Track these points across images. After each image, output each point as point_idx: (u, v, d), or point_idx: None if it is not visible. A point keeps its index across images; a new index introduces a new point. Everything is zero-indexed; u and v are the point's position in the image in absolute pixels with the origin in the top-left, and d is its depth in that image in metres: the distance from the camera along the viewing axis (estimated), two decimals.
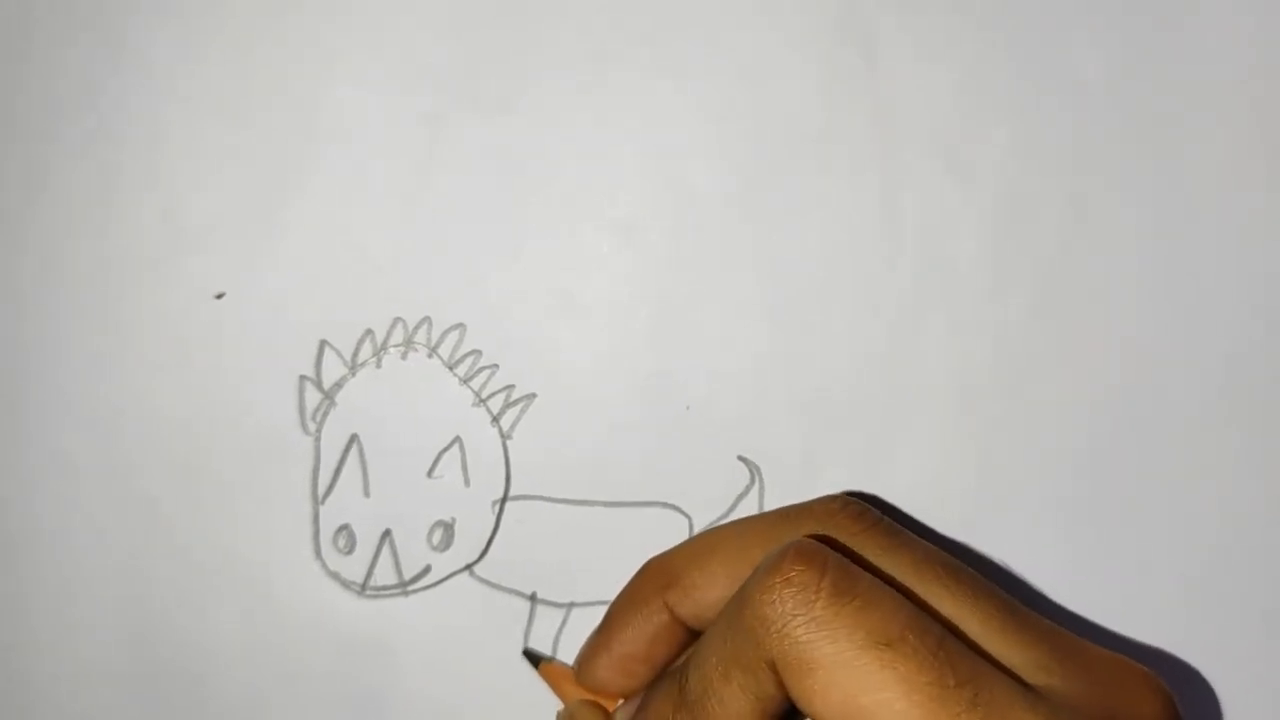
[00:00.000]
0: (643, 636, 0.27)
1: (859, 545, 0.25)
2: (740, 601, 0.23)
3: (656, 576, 0.27)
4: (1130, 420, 0.31)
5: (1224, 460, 0.31)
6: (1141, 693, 0.23)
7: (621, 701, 0.28)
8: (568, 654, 0.31)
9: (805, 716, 0.26)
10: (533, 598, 0.31)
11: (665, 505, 0.31)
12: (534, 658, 0.31)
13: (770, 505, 0.31)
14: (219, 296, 0.32)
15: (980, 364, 0.31)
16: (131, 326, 0.32)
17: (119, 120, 0.32)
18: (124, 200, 0.32)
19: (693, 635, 0.27)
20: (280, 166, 0.31)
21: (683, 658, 0.27)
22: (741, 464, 0.31)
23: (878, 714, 0.21)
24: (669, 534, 0.31)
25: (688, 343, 0.31)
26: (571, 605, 0.31)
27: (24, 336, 0.32)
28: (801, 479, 0.31)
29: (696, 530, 0.31)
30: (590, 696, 0.28)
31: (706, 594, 0.26)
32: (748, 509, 0.31)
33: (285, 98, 0.31)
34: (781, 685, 0.22)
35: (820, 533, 0.25)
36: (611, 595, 0.30)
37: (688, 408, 0.31)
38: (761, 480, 0.31)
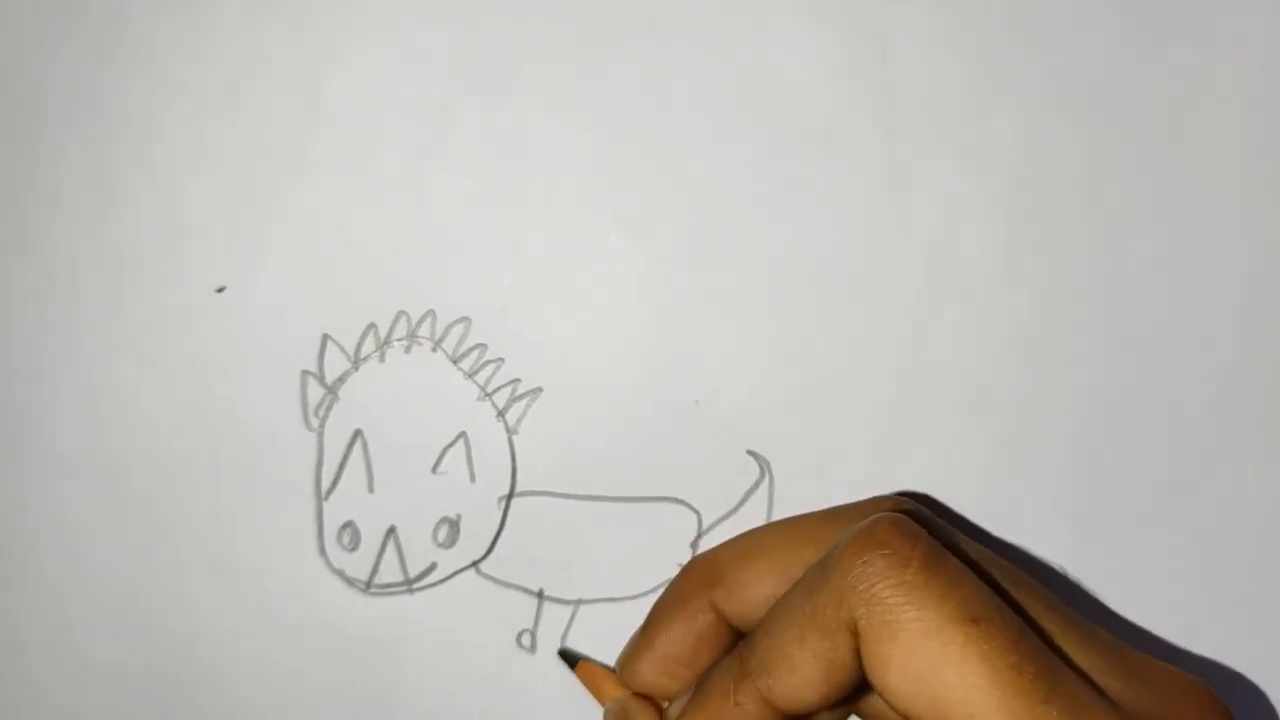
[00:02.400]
0: (687, 636, 0.26)
1: None
2: (826, 565, 0.23)
3: (702, 575, 0.27)
4: (1144, 413, 0.31)
5: (1246, 454, 0.31)
6: (1201, 706, 0.23)
7: (671, 702, 0.27)
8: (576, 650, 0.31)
9: (863, 702, 0.26)
10: (540, 594, 0.31)
11: (674, 501, 0.31)
12: (571, 658, 0.31)
13: (780, 500, 0.31)
14: (220, 290, 0.31)
15: (991, 357, 0.31)
16: (132, 322, 0.31)
17: (118, 114, 0.31)
18: (124, 195, 0.31)
19: (737, 637, 0.27)
20: (281, 159, 0.31)
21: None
22: (751, 459, 0.31)
23: (956, 688, 0.21)
24: (678, 530, 0.31)
25: (696, 336, 0.31)
26: (579, 602, 0.31)
27: (25, 333, 0.31)
28: (812, 474, 0.31)
29: (706, 526, 0.31)
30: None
31: (754, 593, 0.26)
32: (757, 504, 0.31)
33: (286, 90, 0.31)
34: (856, 654, 0.22)
35: None
36: (620, 592, 0.31)
37: (696, 402, 0.31)
38: (771, 475, 0.31)
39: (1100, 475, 0.31)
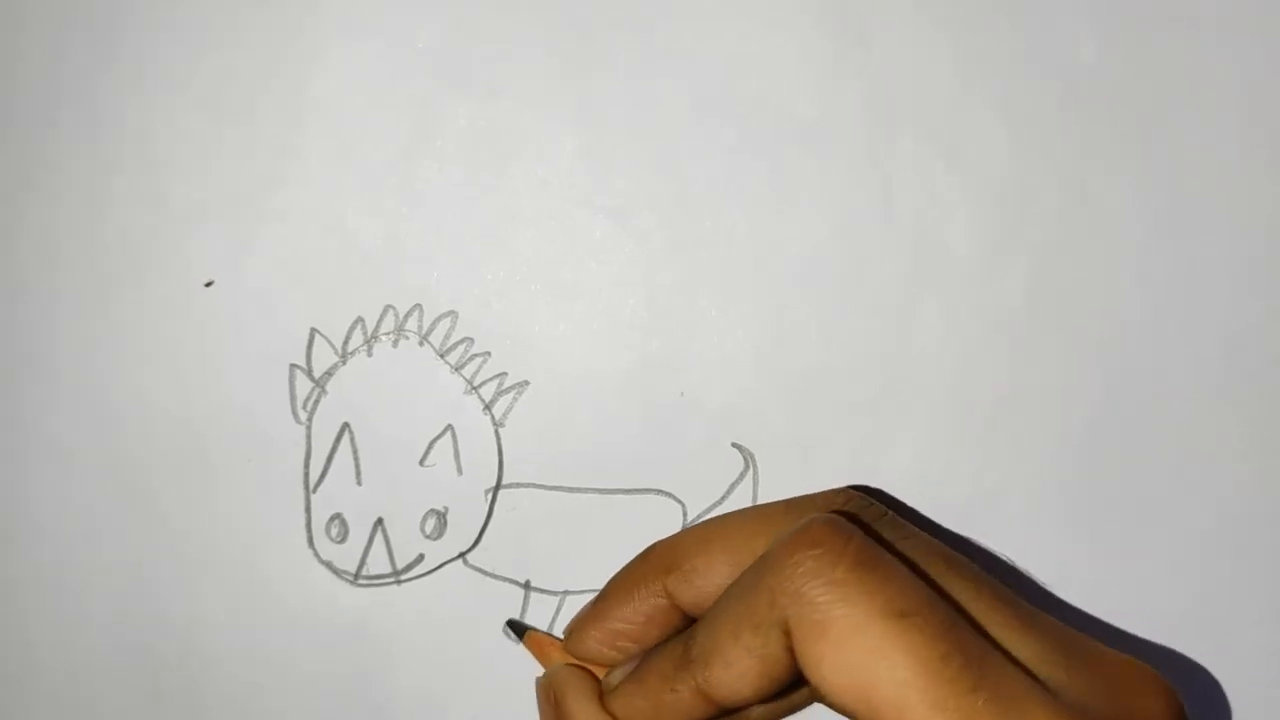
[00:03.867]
0: (638, 615, 0.27)
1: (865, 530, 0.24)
2: (761, 564, 0.23)
3: (660, 560, 0.27)
4: (1128, 408, 0.31)
5: (1224, 449, 0.31)
6: (1147, 692, 0.23)
7: (610, 670, 0.28)
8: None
9: (800, 695, 0.27)
10: (526, 585, 0.31)
11: (659, 492, 0.31)
12: (519, 628, 0.31)
13: (764, 492, 0.31)
14: (208, 285, 0.31)
15: (974, 351, 0.31)
16: (121, 316, 0.31)
17: (108, 111, 0.31)
18: (113, 190, 0.31)
19: (687, 622, 0.27)
20: (269, 154, 0.31)
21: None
22: (736, 451, 0.31)
23: (885, 682, 0.21)
24: (663, 521, 0.31)
25: (681, 329, 0.31)
26: (565, 593, 0.31)
27: (14, 329, 0.32)
28: (796, 465, 0.31)
29: (691, 518, 0.31)
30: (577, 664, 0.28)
31: (708, 581, 0.26)
32: (742, 496, 0.31)
33: (273, 86, 0.31)
34: (789, 651, 0.23)
35: None
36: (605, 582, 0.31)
37: (681, 394, 0.31)
38: (756, 467, 0.31)
39: (1084, 469, 0.31)
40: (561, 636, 0.29)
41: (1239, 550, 0.31)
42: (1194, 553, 0.31)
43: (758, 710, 0.27)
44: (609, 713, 0.26)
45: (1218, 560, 0.31)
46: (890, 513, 0.26)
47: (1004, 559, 0.31)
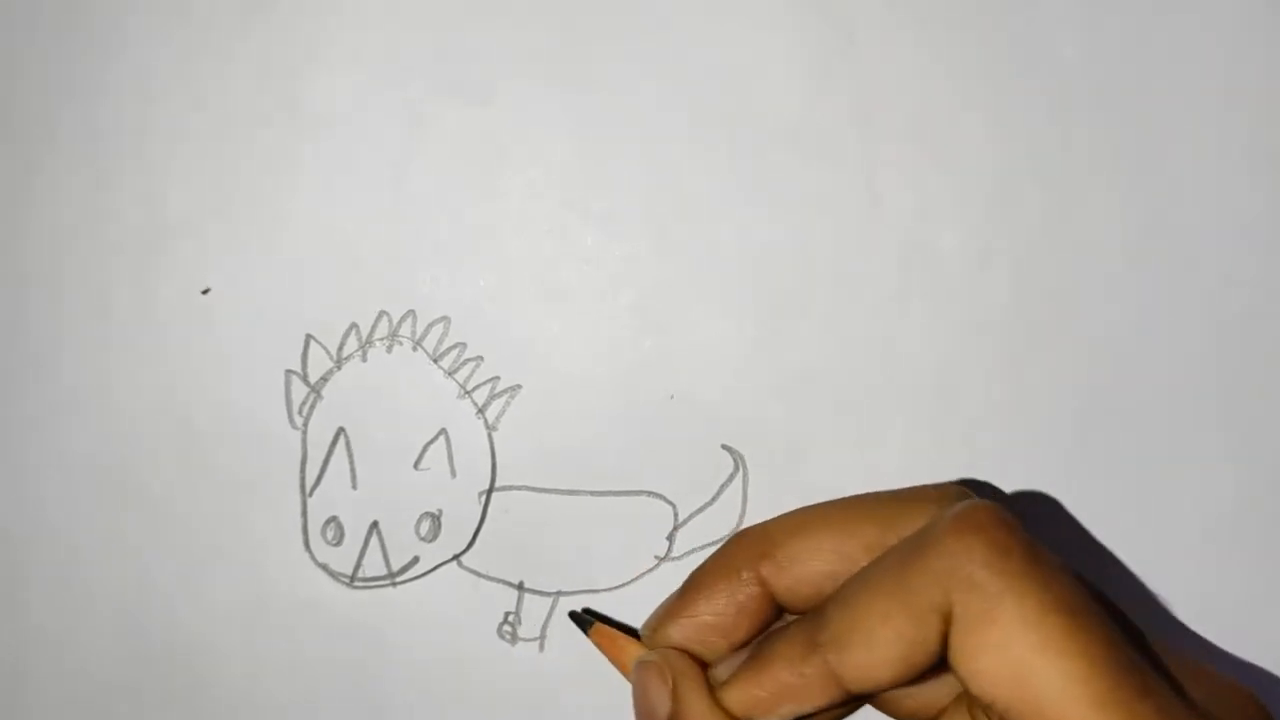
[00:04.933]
0: (728, 607, 0.25)
1: None
2: (923, 544, 0.22)
3: (753, 545, 0.25)
4: (1114, 408, 0.31)
5: (1211, 449, 0.31)
6: (1250, 714, 0.22)
7: (716, 665, 0.26)
8: (556, 642, 0.31)
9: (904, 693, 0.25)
10: (520, 586, 0.32)
11: (650, 494, 0.31)
12: (582, 620, 0.29)
13: (754, 493, 0.31)
14: (205, 292, 0.32)
15: (963, 351, 0.31)
16: (120, 323, 0.32)
17: (105, 118, 0.32)
18: (110, 198, 0.32)
19: (777, 615, 0.26)
20: (263, 163, 0.32)
21: (779, 622, 0.26)
22: (725, 452, 0.31)
23: (1054, 679, 0.20)
24: (654, 522, 0.31)
25: (671, 333, 0.31)
26: (559, 594, 0.32)
27: (12, 335, 0.32)
28: (785, 466, 0.31)
29: (682, 519, 0.31)
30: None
31: (807, 568, 0.25)
32: (732, 497, 0.31)
33: (268, 95, 0.32)
34: (942, 639, 0.21)
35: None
36: (598, 583, 0.31)
37: (671, 397, 0.31)
38: (745, 468, 0.31)
39: (1068, 468, 0.31)
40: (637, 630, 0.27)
41: (1228, 549, 0.31)
42: (1183, 552, 0.31)
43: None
44: (722, 708, 0.24)
45: (1207, 559, 0.31)
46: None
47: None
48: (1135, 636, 0.23)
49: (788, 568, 0.25)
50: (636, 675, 0.26)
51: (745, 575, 0.25)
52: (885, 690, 0.23)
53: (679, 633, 0.26)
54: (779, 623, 0.26)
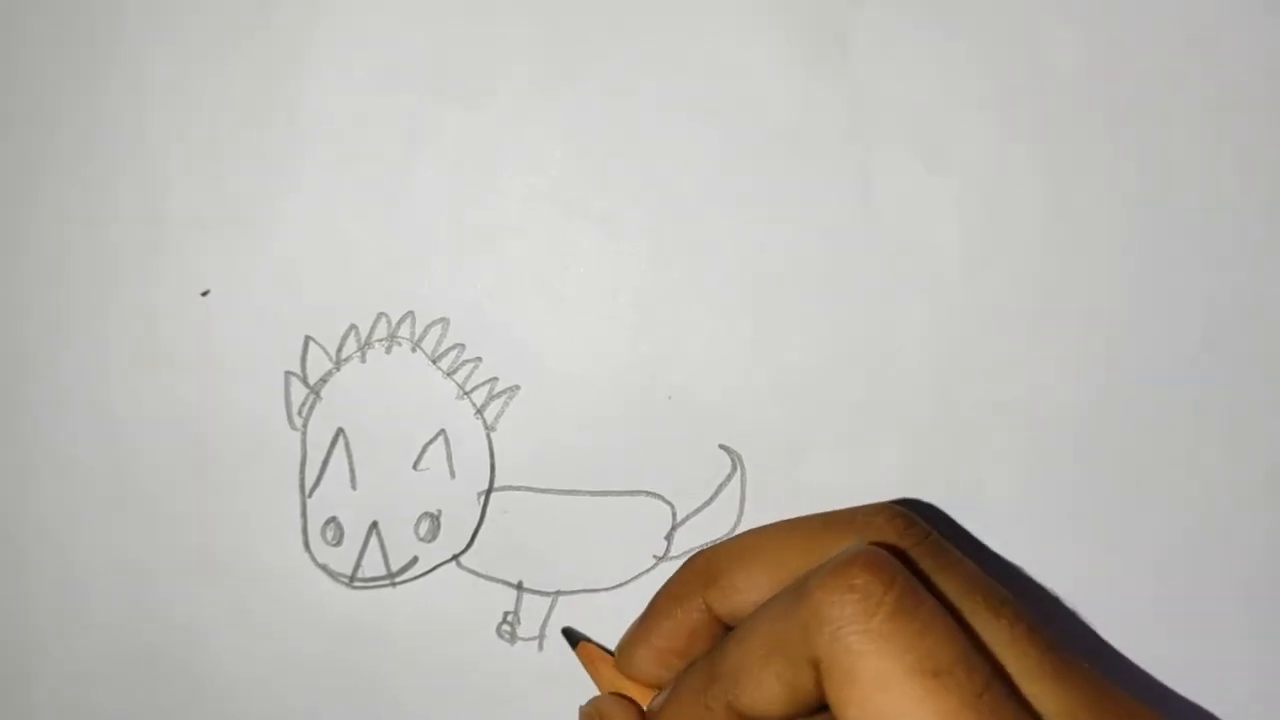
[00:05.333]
0: (681, 631, 0.27)
1: (908, 559, 0.25)
2: (799, 595, 0.23)
3: (699, 572, 0.27)
4: (1114, 406, 0.31)
5: (1211, 447, 0.31)
6: None
7: (657, 694, 0.28)
8: (554, 642, 0.32)
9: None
10: (519, 586, 0.32)
11: (648, 494, 0.31)
12: (572, 638, 0.31)
13: (752, 493, 0.31)
14: (204, 294, 0.32)
15: (961, 351, 0.31)
16: (121, 326, 0.32)
17: (103, 121, 0.32)
18: (110, 201, 0.32)
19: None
20: (262, 165, 0.32)
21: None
22: (723, 452, 0.31)
23: None
24: (652, 522, 0.31)
25: (668, 333, 0.31)
26: (558, 594, 0.32)
27: (13, 338, 0.32)
28: (783, 466, 0.31)
29: (680, 518, 0.31)
30: (622, 689, 0.28)
31: (746, 595, 0.26)
32: (730, 496, 0.31)
33: (266, 96, 0.32)
34: (819, 684, 0.22)
35: (870, 541, 0.25)
36: (597, 583, 0.32)
37: (669, 397, 0.31)
38: (743, 468, 0.31)
39: (1068, 467, 0.31)
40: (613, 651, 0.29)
41: (1224, 549, 0.31)
42: (1182, 552, 0.31)
43: None
44: None
45: (1204, 559, 0.31)
46: (934, 534, 0.25)
47: (1004, 557, 0.31)
48: (1067, 671, 0.23)
49: (730, 595, 0.26)
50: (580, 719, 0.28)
51: (693, 601, 0.27)
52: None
53: (642, 657, 0.28)
54: None
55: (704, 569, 0.27)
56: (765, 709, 0.23)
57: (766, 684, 0.23)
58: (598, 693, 0.29)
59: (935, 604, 0.22)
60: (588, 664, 0.30)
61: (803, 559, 0.25)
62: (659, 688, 0.28)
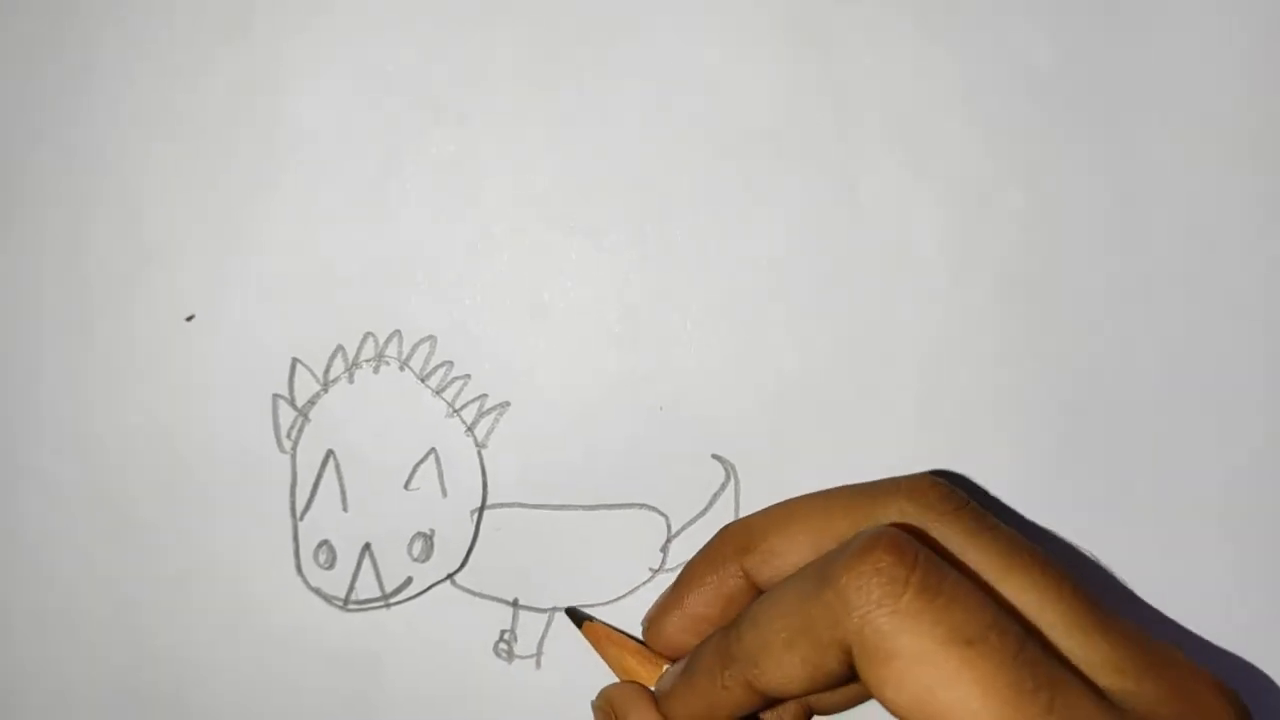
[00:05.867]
0: (717, 598, 0.27)
1: (946, 527, 0.25)
2: (822, 578, 0.23)
3: (736, 539, 0.27)
4: (1101, 404, 0.31)
5: (1196, 442, 0.31)
6: (1215, 705, 0.23)
7: (667, 667, 0.28)
8: (553, 659, 0.31)
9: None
10: (515, 604, 0.31)
11: (642, 506, 0.31)
12: (577, 617, 0.31)
13: (746, 501, 0.31)
14: (189, 319, 0.32)
15: (949, 353, 0.31)
16: (106, 352, 0.32)
17: (83, 141, 0.32)
18: (92, 226, 0.32)
19: None
20: (245, 186, 0.31)
21: None
22: (716, 462, 0.31)
23: (953, 710, 0.21)
24: (648, 535, 0.31)
25: (657, 344, 0.31)
26: (554, 610, 0.31)
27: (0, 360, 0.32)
28: (776, 473, 0.31)
29: (675, 530, 0.31)
30: (630, 670, 0.28)
31: (785, 560, 0.26)
32: (725, 506, 0.31)
33: (248, 116, 0.31)
34: (845, 665, 0.23)
35: (907, 509, 0.25)
36: (594, 598, 0.31)
37: (660, 408, 0.31)
38: (737, 477, 0.31)
39: (1057, 466, 0.31)
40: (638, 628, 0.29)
41: (1217, 540, 0.31)
42: (1172, 546, 0.31)
43: (827, 697, 0.28)
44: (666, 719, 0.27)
45: (1196, 551, 0.31)
46: (972, 502, 0.26)
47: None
48: (1104, 624, 0.23)
49: (768, 561, 0.26)
50: (594, 710, 0.28)
51: (730, 568, 0.27)
52: (809, 695, 0.24)
53: (673, 626, 0.28)
54: None
55: (740, 535, 0.27)
56: (785, 687, 0.24)
57: (789, 665, 0.23)
58: (599, 694, 0.29)
59: (959, 576, 0.23)
60: (595, 643, 0.30)
61: (846, 523, 0.25)
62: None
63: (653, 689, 0.28)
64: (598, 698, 0.28)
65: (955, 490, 0.26)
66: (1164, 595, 0.31)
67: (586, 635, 0.30)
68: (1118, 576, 0.31)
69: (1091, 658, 0.23)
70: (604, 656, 0.29)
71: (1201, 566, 0.31)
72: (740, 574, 0.27)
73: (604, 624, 0.30)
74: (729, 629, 0.25)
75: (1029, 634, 0.22)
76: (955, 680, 0.21)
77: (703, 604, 0.27)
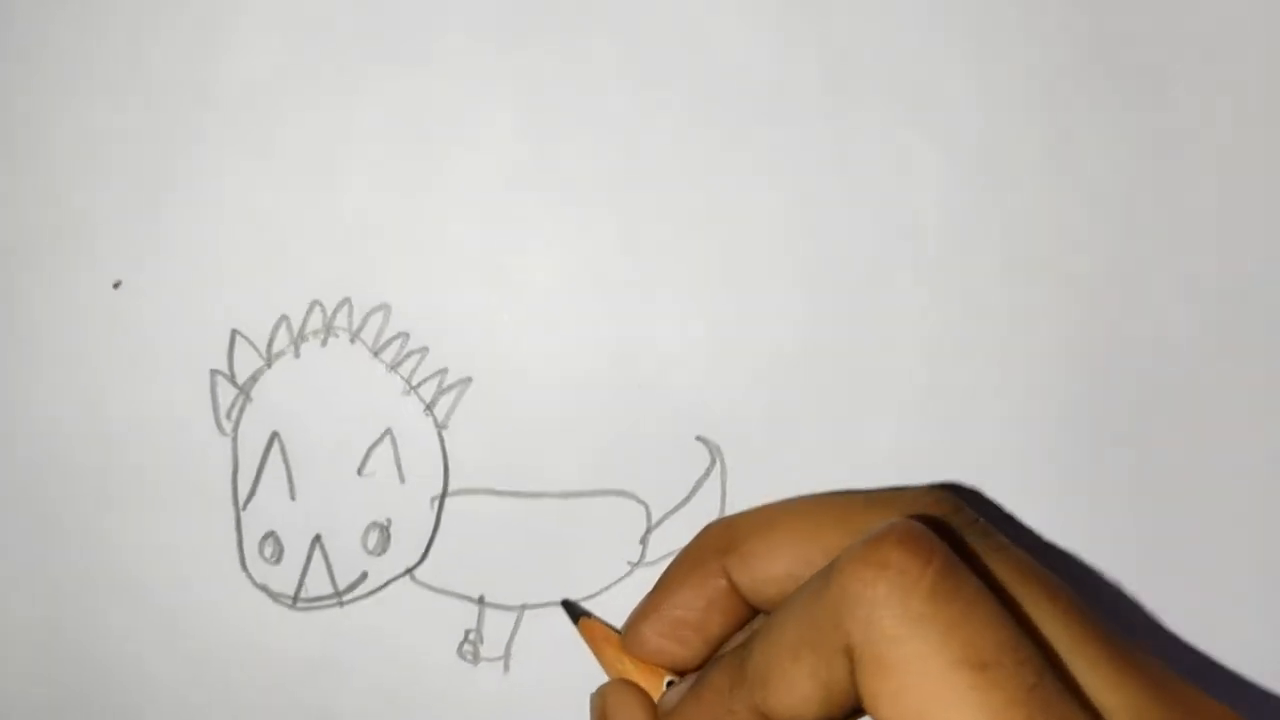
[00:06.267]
0: (697, 600, 0.26)
1: (950, 537, 0.23)
2: (827, 577, 0.21)
3: (717, 539, 0.26)
4: (1107, 391, 0.30)
5: (1206, 433, 0.30)
6: None
7: (670, 680, 0.27)
8: (521, 663, 0.30)
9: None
10: (480, 601, 0.30)
11: (620, 494, 0.30)
12: (574, 612, 0.30)
13: (733, 488, 0.30)
14: (116, 286, 0.30)
15: (949, 335, 0.30)
16: (24, 323, 0.30)
17: (2, 104, 0.30)
18: (7, 188, 0.30)
19: (750, 612, 0.26)
20: (177, 143, 0.30)
21: (739, 636, 0.27)
22: (701, 445, 0.30)
23: None
24: (626, 525, 0.30)
25: (636, 317, 0.30)
26: (524, 607, 0.30)
27: None
28: (766, 458, 0.30)
29: (655, 519, 0.30)
30: (630, 675, 0.27)
31: (766, 566, 0.25)
32: (710, 493, 0.30)
33: (179, 68, 0.30)
34: (853, 678, 0.21)
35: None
36: (567, 595, 0.30)
37: (639, 387, 0.30)
38: (723, 462, 0.30)
39: (1059, 452, 0.30)
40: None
41: (1220, 538, 0.30)
42: (1177, 540, 0.30)
43: None
44: None
45: (1200, 547, 0.30)
46: (981, 520, 0.24)
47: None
48: (1126, 662, 0.22)
49: (749, 563, 0.26)
50: (590, 707, 0.27)
51: (710, 569, 0.26)
52: None
53: (653, 631, 0.27)
54: (757, 619, 0.26)
55: (722, 535, 0.26)
56: (799, 710, 0.22)
57: (798, 682, 0.22)
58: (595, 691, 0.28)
59: (979, 584, 0.21)
60: (592, 643, 0.29)
61: (835, 533, 0.25)
62: (673, 669, 0.27)
63: (655, 700, 0.27)
64: (595, 694, 0.27)
65: (963, 506, 0.25)
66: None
67: (582, 633, 0.29)
68: (1128, 592, 0.31)
69: (1108, 701, 0.21)
70: (600, 659, 0.28)
71: (1211, 571, 0.31)
72: (721, 574, 0.26)
73: (603, 622, 0.29)
74: (741, 648, 0.24)
75: (1049, 663, 0.21)
76: (958, 707, 0.20)
77: (682, 607, 0.26)
